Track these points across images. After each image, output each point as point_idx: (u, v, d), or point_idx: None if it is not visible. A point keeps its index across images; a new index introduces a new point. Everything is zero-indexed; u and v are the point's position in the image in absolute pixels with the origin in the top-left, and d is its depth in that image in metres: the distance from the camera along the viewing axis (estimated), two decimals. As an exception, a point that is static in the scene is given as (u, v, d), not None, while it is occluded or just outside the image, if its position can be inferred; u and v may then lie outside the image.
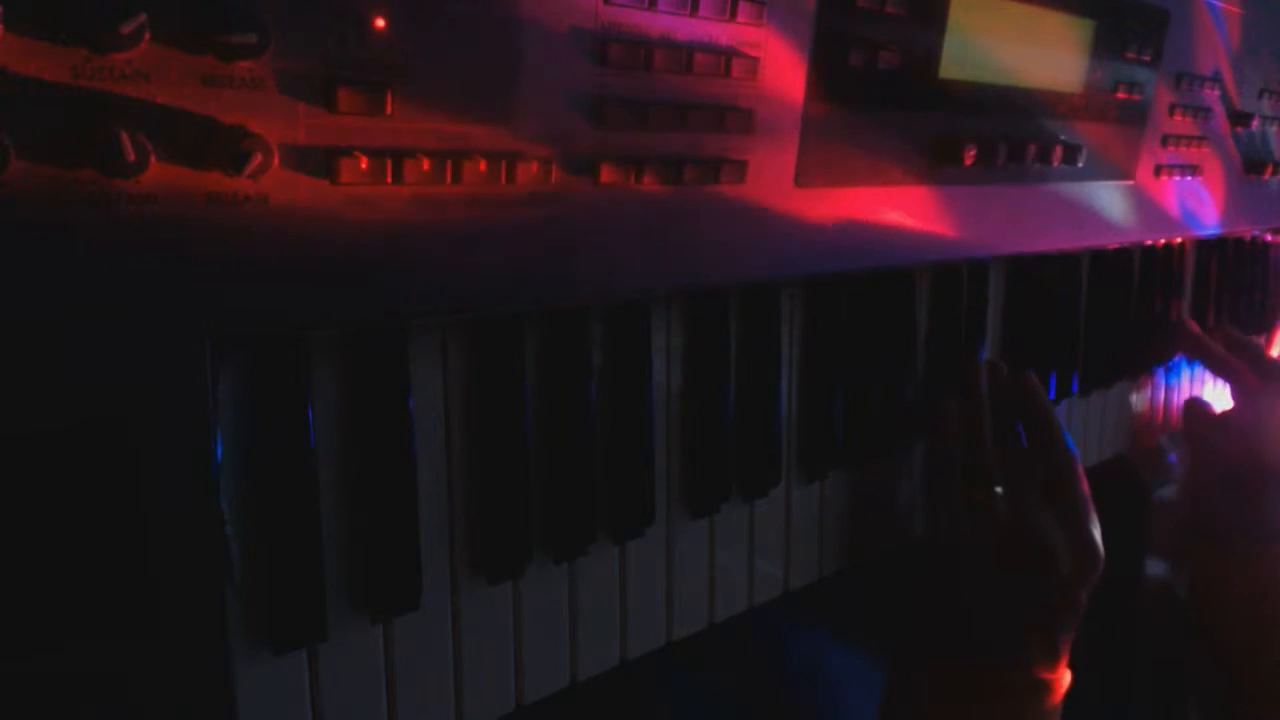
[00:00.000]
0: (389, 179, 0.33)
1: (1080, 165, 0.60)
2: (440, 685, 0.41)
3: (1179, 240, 0.82)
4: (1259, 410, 0.81)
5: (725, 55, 0.41)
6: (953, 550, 0.58)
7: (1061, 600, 0.56)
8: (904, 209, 0.51)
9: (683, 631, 0.50)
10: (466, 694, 0.42)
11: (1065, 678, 0.57)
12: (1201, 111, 0.73)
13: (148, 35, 0.27)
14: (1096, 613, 0.60)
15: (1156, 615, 0.89)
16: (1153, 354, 0.84)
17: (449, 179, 0.34)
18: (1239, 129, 0.79)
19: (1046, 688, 0.55)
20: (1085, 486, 0.59)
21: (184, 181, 0.29)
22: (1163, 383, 0.87)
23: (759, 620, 0.54)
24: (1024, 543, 0.56)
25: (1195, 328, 0.86)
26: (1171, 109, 0.69)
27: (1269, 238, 1.00)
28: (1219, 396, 0.92)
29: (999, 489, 0.57)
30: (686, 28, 0.39)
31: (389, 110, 0.32)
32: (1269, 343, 1.03)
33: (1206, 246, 0.89)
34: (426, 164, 0.33)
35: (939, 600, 0.58)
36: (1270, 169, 0.84)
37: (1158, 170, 0.70)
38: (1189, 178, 0.74)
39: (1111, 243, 0.70)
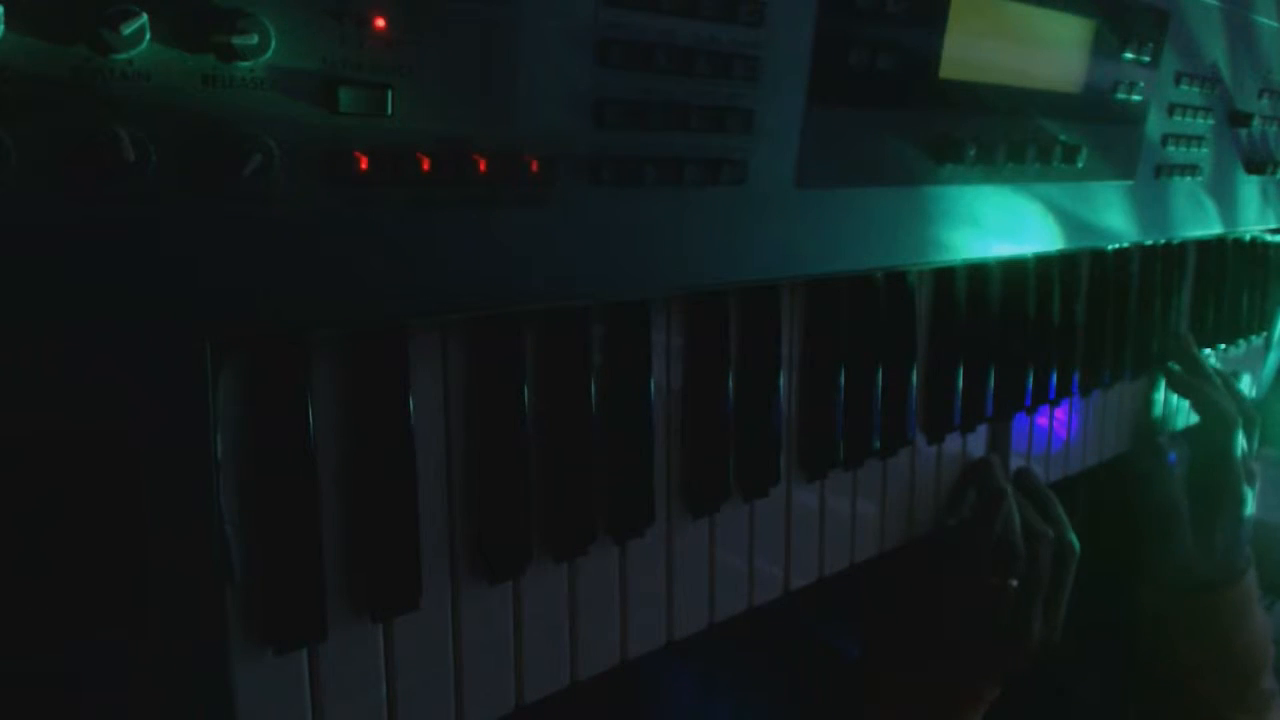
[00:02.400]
0: (389, 179, 0.33)
1: (1080, 165, 0.60)
2: (440, 685, 0.41)
3: (1179, 240, 0.82)
4: None
5: (725, 55, 0.41)
6: (951, 603, 0.63)
7: (1009, 671, 0.64)
8: (904, 209, 0.51)
9: (683, 631, 0.50)
10: (466, 694, 0.42)
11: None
12: (1201, 111, 0.73)
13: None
14: (1096, 613, 0.62)
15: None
16: (1152, 354, 0.84)
17: (449, 179, 0.34)
18: (1239, 129, 0.79)
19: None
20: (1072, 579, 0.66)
21: (185, 180, 0.29)
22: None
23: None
24: (1010, 624, 0.63)
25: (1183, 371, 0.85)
26: (1171, 109, 0.69)
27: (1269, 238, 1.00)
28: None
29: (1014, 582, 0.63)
30: (687, 28, 0.39)
31: (389, 110, 0.32)
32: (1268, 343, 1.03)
33: (1206, 246, 0.89)
34: (426, 164, 0.33)
35: (916, 619, 0.65)
36: (1270, 169, 0.84)
37: (1158, 170, 0.70)
38: (1189, 178, 0.74)
39: (1111, 243, 0.70)
